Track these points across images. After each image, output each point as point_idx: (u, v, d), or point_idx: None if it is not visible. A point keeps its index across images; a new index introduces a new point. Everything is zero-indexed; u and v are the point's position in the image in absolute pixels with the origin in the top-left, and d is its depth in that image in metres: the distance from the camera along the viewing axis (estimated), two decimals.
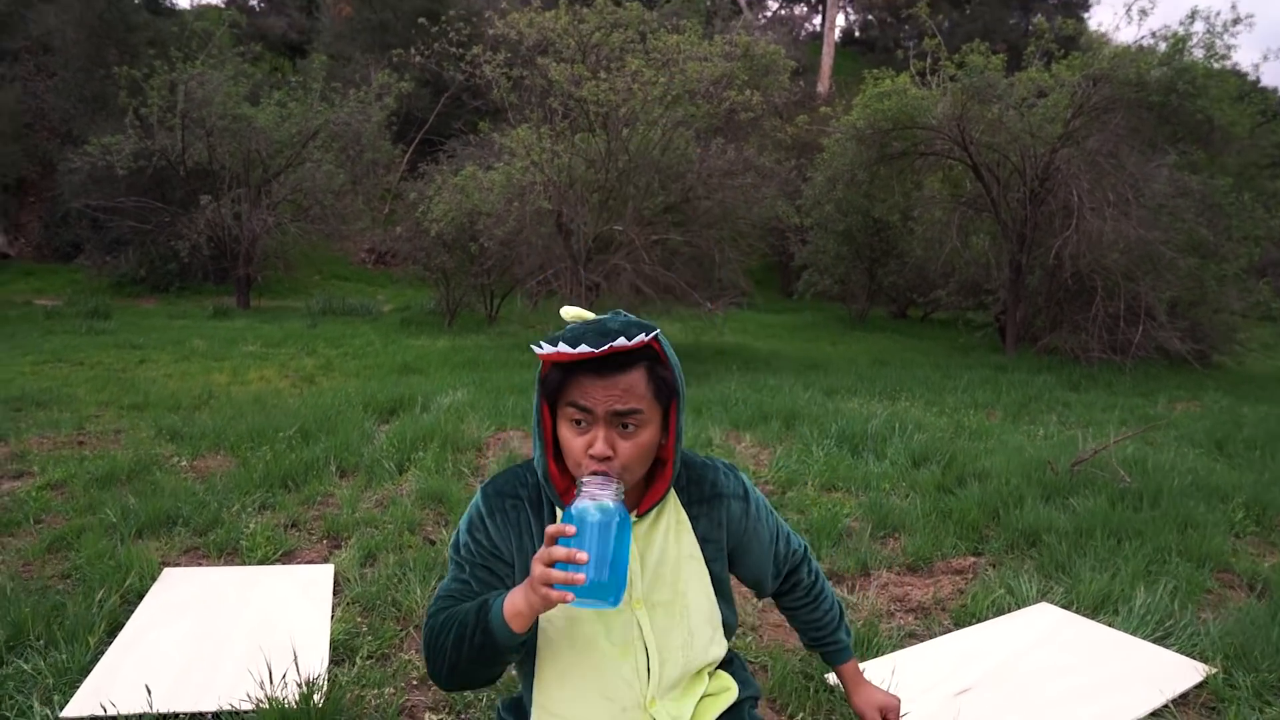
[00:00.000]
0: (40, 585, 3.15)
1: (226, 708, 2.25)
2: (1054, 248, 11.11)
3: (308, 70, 17.47)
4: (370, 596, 3.14)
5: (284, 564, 3.49)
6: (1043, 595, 3.42)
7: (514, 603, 1.31)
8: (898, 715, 1.70)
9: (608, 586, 1.22)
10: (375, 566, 3.48)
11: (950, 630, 3.16)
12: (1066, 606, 3.30)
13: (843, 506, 4.44)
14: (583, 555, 1.19)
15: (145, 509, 3.94)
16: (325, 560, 3.55)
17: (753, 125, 11.01)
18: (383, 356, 10.17)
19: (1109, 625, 3.13)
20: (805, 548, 1.74)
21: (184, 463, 5.01)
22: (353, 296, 17.82)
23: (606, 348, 1.33)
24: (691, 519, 1.55)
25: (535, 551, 1.47)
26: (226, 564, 3.49)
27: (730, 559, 1.63)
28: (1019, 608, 3.30)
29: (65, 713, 2.22)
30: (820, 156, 13.45)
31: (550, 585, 1.21)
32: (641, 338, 1.35)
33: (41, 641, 2.66)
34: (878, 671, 2.67)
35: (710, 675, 1.63)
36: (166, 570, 3.29)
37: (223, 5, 27.24)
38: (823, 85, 27.93)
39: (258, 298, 17.40)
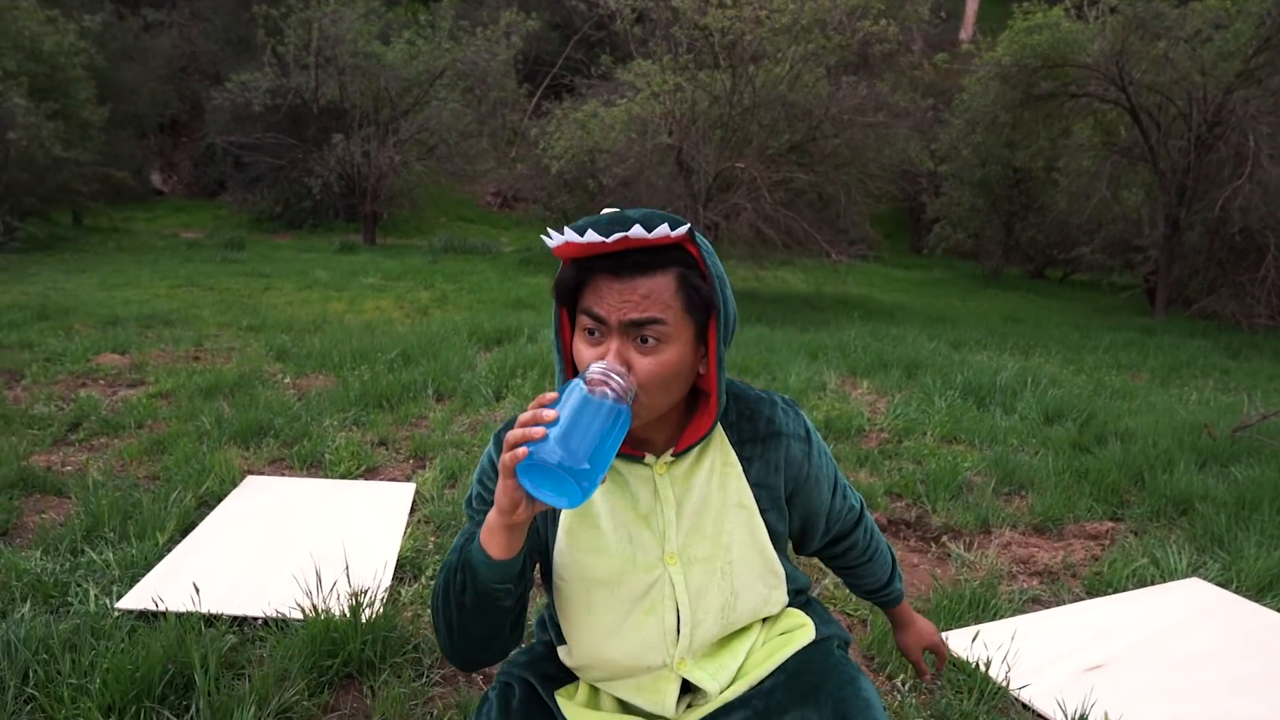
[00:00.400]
0: (129, 483, 3.16)
1: (272, 615, 2.13)
2: (1220, 200, 10.04)
3: (438, 10, 17.56)
4: (446, 516, 3.00)
5: (366, 480, 3.40)
6: (1194, 570, 2.98)
7: (487, 522, 1.09)
8: (944, 657, 1.58)
9: (570, 472, 0.96)
10: (457, 488, 3.35)
11: (1082, 600, 2.78)
12: (1224, 585, 2.86)
13: (964, 459, 4.04)
14: (549, 413, 0.98)
15: (239, 418, 3.94)
16: (408, 479, 3.45)
17: (887, 61, 10.32)
18: (497, 292, 10.17)
19: (1278, 611, 2.69)
20: (861, 505, 1.48)
21: (287, 380, 5.04)
22: (476, 238, 18.02)
23: (617, 237, 1.06)
24: (743, 461, 1.27)
25: None
26: (309, 476, 3.43)
27: (789, 512, 1.36)
28: (1165, 581, 2.89)
29: (119, 604, 2.16)
30: (959, 98, 12.55)
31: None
32: (664, 230, 1.07)
33: (115, 535, 2.64)
34: (995, 635, 2.34)
35: (768, 620, 1.38)
36: (249, 478, 3.24)
37: None
38: (965, 33, 26.25)
39: (384, 235, 17.80)
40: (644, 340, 1.11)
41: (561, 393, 1.03)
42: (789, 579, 1.37)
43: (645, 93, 9.24)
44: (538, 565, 1.30)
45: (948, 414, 4.81)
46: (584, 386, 1.03)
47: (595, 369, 1.06)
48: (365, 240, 16.58)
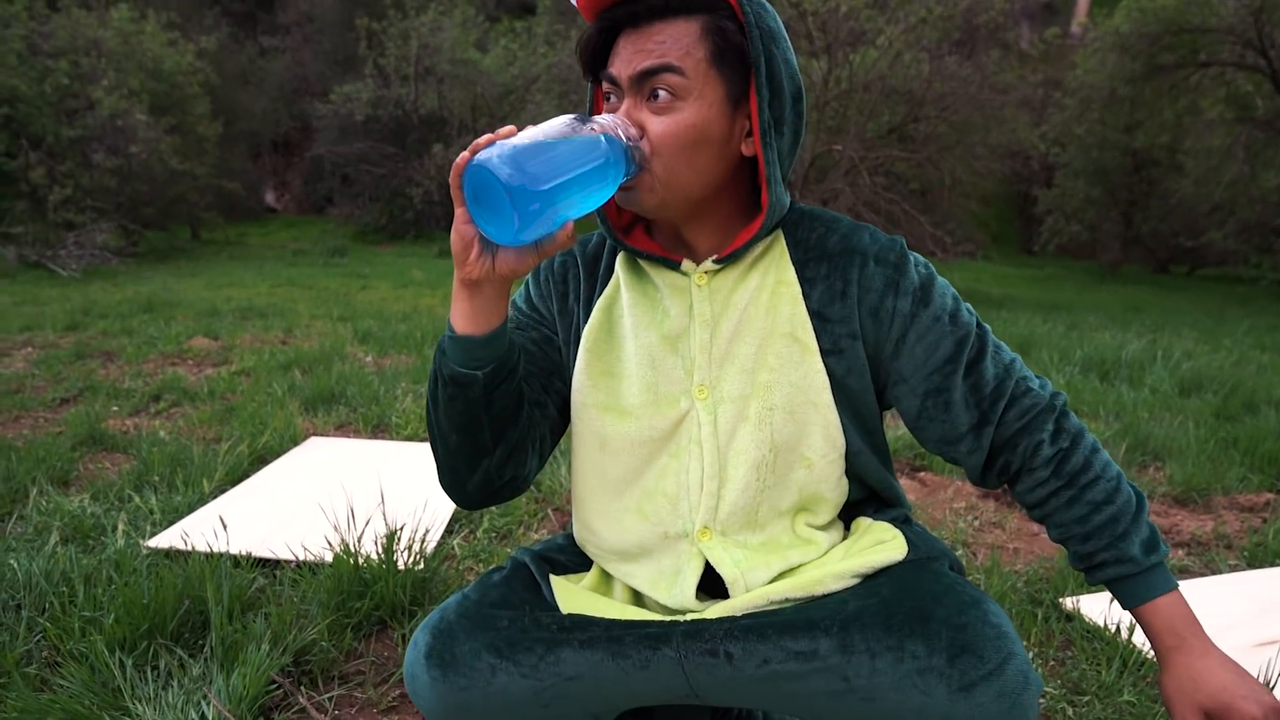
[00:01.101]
0: (198, 441, 3.07)
1: (301, 556, 1.95)
2: None
3: (533, 19, 17.75)
4: None
5: None
6: None
7: (453, 290, 0.91)
8: None
9: (512, 193, 0.76)
10: None
11: (1240, 570, 2.37)
12: None
13: (1088, 430, 3.62)
14: (509, 128, 0.81)
15: (312, 385, 3.85)
16: None
17: (993, 35, 9.76)
18: None
19: None
20: (1053, 395, 1.02)
21: (369, 358, 4.97)
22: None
23: None
24: (803, 283, 1.00)
25: (580, 317, 1.05)
26: (374, 439, 3.28)
27: (876, 373, 1.02)
28: None
29: (149, 542, 2.02)
30: (1072, 75, 11.79)
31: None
32: None
33: (162, 483, 2.53)
34: None
35: (841, 527, 1.08)
36: (312, 438, 3.11)
37: None
38: (1079, 18, 24.94)
39: None
40: (655, 95, 0.89)
41: None
42: (871, 475, 1.06)
43: None
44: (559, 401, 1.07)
45: (1067, 388, 4.36)
46: (571, 116, 0.84)
47: (597, 117, 0.87)
48: None
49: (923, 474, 3.09)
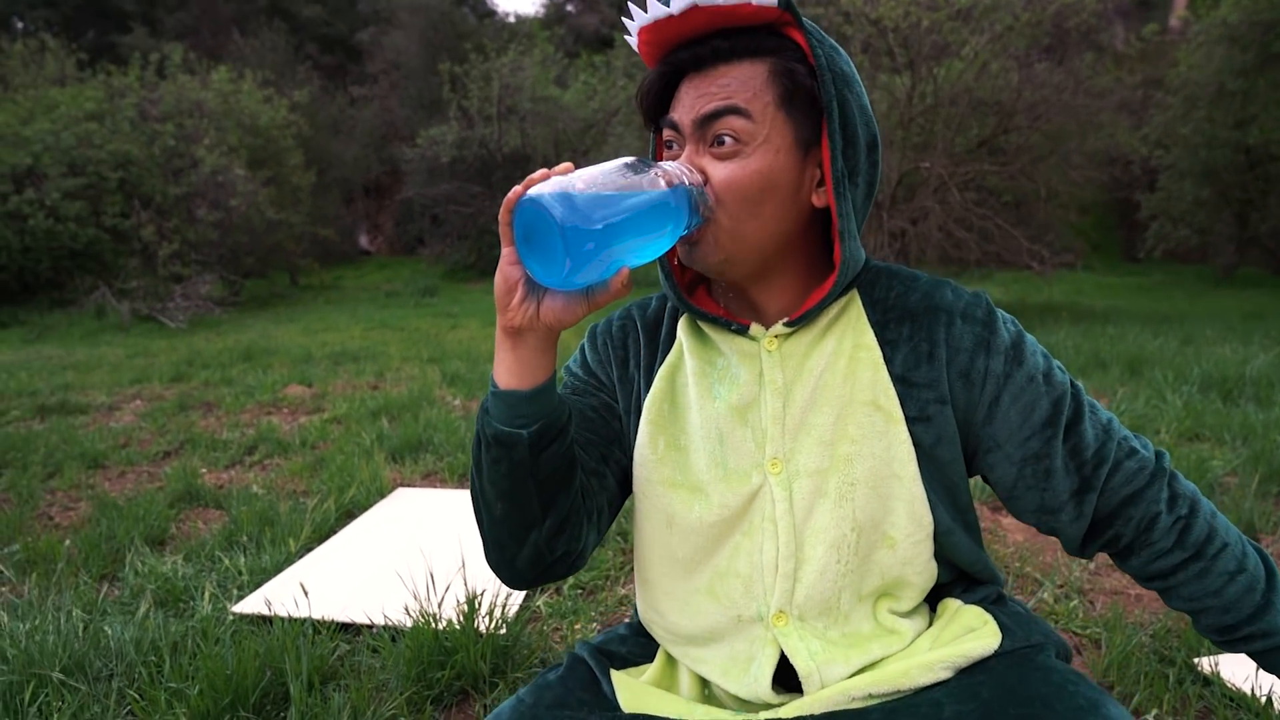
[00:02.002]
0: (286, 495, 3.12)
1: (380, 622, 1.92)
2: None
3: (612, 53, 17.98)
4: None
5: None
6: None
7: (496, 340, 0.84)
8: None
9: (565, 233, 0.69)
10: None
11: None
12: None
13: (1212, 457, 3.35)
14: (566, 165, 0.75)
15: (401, 434, 3.88)
16: None
17: (1086, 38, 9.37)
18: None
19: None
20: (1159, 456, 0.93)
21: (456, 401, 5.00)
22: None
23: (687, 4, 0.82)
24: (884, 346, 0.91)
25: (642, 385, 0.97)
26: (460, 489, 3.27)
27: (966, 440, 0.93)
28: None
29: (235, 607, 2.02)
30: (1173, 73, 11.21)
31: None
32: None
33: (251, 542, 2.55)
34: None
35: (927, 612, 0.97)
36: (399, 489, 3.12)
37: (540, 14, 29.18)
38: (1178, 11, 23.87)
39: None
40: (720, 141, 0.83)
41: None
42: (963, 556, 0.95)
43: None
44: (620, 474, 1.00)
45: (1185, 410, 4.07)
46: (630, 158, 0.78)
47: (660, 164, 0.81)
48: None
49: None
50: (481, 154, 16.87)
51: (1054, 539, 2.62)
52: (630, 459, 0.99)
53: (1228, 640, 0.93)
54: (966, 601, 0.97)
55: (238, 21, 24.84)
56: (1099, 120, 9.10)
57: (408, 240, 22.23)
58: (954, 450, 0.92)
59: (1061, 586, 2.28)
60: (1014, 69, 8.87)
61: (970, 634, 0.91)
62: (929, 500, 0.91)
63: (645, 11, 0.85)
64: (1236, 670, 1.74)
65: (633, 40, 0.89)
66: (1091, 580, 2.36)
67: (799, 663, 0.89)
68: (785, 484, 0.90)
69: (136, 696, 1.66)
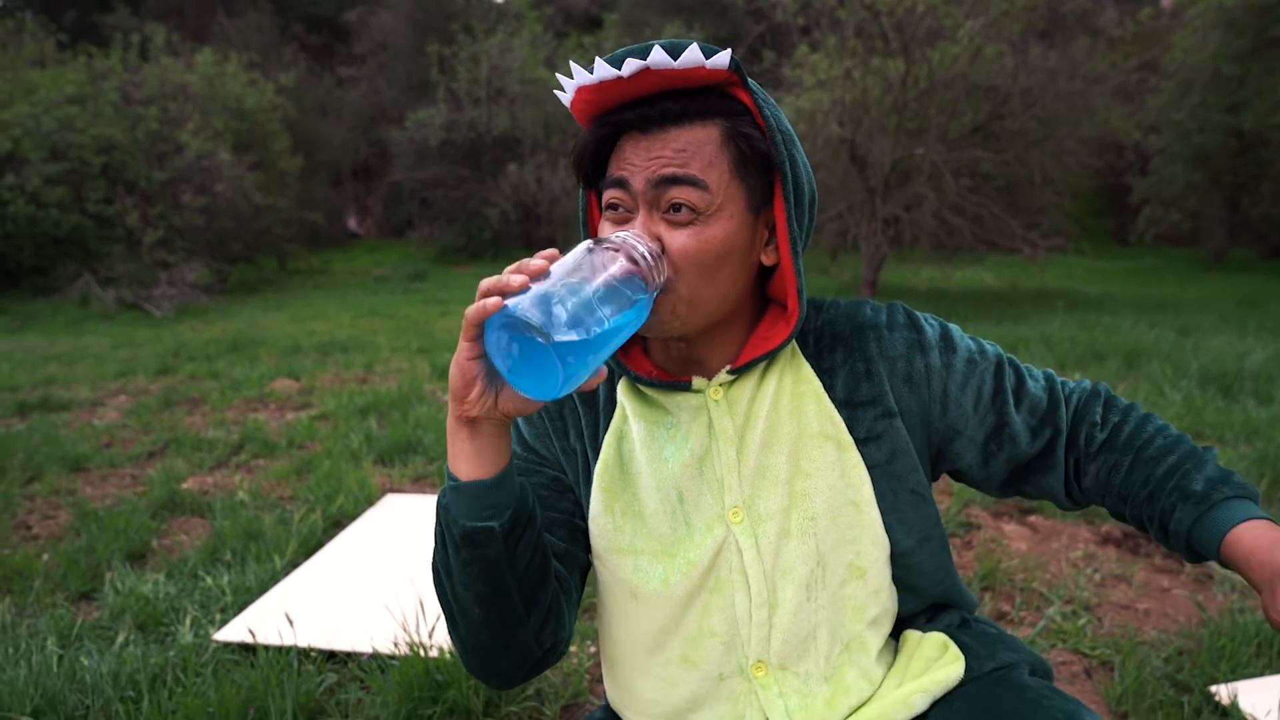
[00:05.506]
0: (272, 503, 3.04)
1: (368, 650, 1.85)
2: None
3: (602, 35, 17.77)
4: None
5: None
6: None
7: (448, 428, 0.79)
8: None
9: (555, 347, 0.66)
10: None
11: None
12: None
13: (1218, 458, 3.30)
14: (538, 263, 0.71)
15: (389, 436, 3.80)
16: None
17: (1081, 22, 9.26)
18: None
19: None
20: (1095, 384, 0.98)
21: (446, 397, 4.92)
22: None
23: (635, 68, 0.78)
24: (821, 376, 0.91)
25: (589, 454, 0.96)
26: None
27: (930, 440, 0.94)
28: None
29: (216, 635, 1.95)
30: (1169, 57, 11.12)
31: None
32: (696, 57, 0.78)
33: (235, 559, 2.47)
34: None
35: (893, 647, 0.97)
36: (388, 496, 3.04)
37: None
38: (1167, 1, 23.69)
39: None
40: (676, 208, 0.80)
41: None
42: (926, 579, 0.95)
43: (811, 82, 8.72)
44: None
45: (1185, 406, 4.02)
46: (589, 242, 0.75)
47: (614, 235, 0.77)
48: None
49: (1033, 518, 2.85)
50: (470, 137, 16.68)
51: (1057, 547, 2.57)
52: (585, 524, 0.96)
53: (1167, 534, 0.87)
54: (927, 630, 0.97)
55: (223, 0, 24.45)
56: (1094, 105, 9.01)
57: (396, 223, 22.02)
58: (910, 461, 0.92)
59: (1069, 602, 2.23)
60: (1008, 53, 8.77)
61: (935, 664, 0.92)
62: (886, 524, 0.91)
63: (590, 73, 0.80)
64: (1256, 701, 1.69)
65: (566, 97, 0.84)
66: (1098, 593, 2.30)
67: (774, 718, 0.88)
68: (750, 531, 0.89)
69: None
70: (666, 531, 0.90)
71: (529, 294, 0.67)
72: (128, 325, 9.52)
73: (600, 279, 0.71)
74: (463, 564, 0.79)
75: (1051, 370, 0.98)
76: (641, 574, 0.90)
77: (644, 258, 0.76)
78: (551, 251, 0.72)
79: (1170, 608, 2.25)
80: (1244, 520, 0.81)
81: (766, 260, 0.88)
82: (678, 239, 0.82)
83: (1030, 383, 0.95)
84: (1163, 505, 0.87)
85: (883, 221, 8.67)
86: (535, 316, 0.65)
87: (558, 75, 0.84)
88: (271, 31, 22.68)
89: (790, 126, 0.88)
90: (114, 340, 8.09)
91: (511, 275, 0.69)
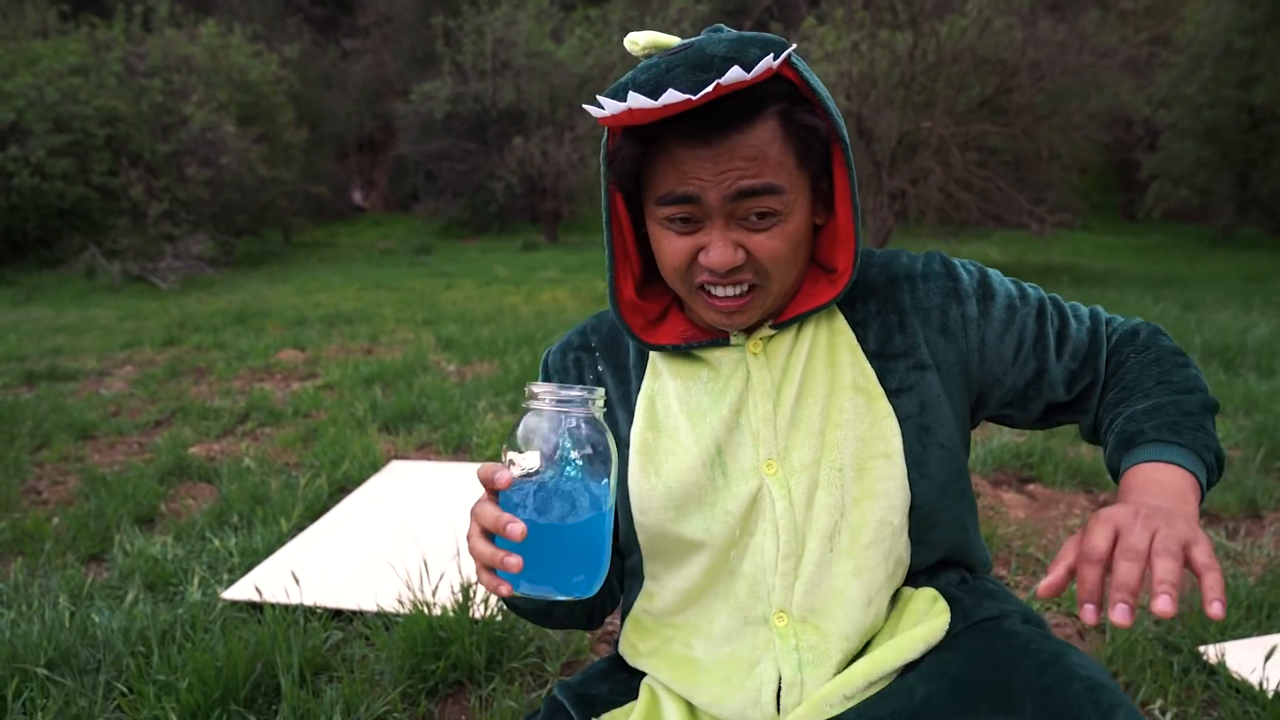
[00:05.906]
0: (278, 469, 3.08)
1: (373, 609, 1.89)
2: None
3: (608, 6, 17.62)
4: None
5: None
6: None
7: None
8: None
9: (565, 574, 0.74)
10: None
11: None
12: None
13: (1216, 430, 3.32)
14: (517, 528, 0.70)
15: (394, 404, 3.83)
16: None
17: None
18: None
19: None
20: (1130, 329, 0.96)
21: (451, 367, 4.95)
22: None
23: (711, 87, 0.74)
24: (855, 328, 0.92)
25: (623, 419, 0.98)
26: (455, 461, 3.23)
27: (969, 389, 0.93)
28: None
29: (224, 594, 1.99)
30: (1181, 29, 11.00)
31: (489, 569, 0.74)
32: (768, 62, 0.75)
33: (242, 521, 2.51)
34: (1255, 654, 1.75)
35: (897, 601, 0.96)
36: (393, 463, 3.07)
37: None
38: None
39: (567, 234, 18.06)
40: (759, 215, 0.81)
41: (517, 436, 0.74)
42: (945, 536, 0.95)
43: (819, 55, 8.65)
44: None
45: None
46: (538, 472, 0.73)
47: (537, 402, 0.74)
48: (547, 239, 16.87)
49: (1032, 486, 2.87)
50: (476, 109, 16.59)
51: (1055, 515, 2.59)
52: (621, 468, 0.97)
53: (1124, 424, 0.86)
54: (923, 586, 0.97)
55: None
56: (1103, 80, 8.93)
57: (402, 196, 21.96)
58: (941, 414, 0.91)
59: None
60: (1017, 26, 8.69)
61: (924, 617, 0.92)
62: (910, 477, 0.90)
63: (655, 101, 0.75)
64: (1243, 660, 1.72)
65: (604, 112, 0.78)
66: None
67: (786, 671, 0.89)
68: (783, 482, 0.90)
69: (124, 690, 1.63)
70: (705, 483, 0.91)
71: (527, 574, 0.71)
72: (133, 297, 9.56)
73: (567, 524, 0.73)
74: (538, 615, 0.98)
75: (1100, 308, 0.98)
76: (683, 526, 0.92)
77: (597, 406, 0.75)
78: (500, 477, 0.71)
79: None
80: (1165, 462, 0.80)
81: (819, 221, 0.91)
82: (764, 243, 0.83)
83: (1074, 325, 0.94)
84: (1111, 440, 0.87)
85: (889, 195, 8.64)
86: (545, 593, 0.73)
87: (598, 99, 0.78)
88: (275, 3, 22.54)
89: (825, 89, 0.87)
90: (120, 312, 8.12)
91: (507, 559, 0.70)
